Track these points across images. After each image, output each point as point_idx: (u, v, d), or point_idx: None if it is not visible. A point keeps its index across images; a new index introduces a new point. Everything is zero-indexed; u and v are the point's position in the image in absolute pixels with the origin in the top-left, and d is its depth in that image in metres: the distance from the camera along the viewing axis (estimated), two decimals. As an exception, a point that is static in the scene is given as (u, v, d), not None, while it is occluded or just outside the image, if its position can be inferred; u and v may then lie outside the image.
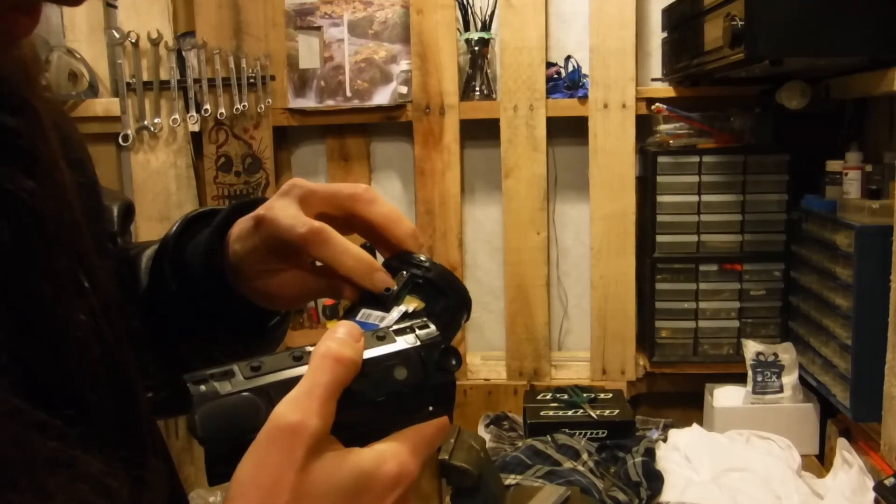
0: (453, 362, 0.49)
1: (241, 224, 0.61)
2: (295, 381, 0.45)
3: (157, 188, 2.21)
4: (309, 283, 0.62)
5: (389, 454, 0.45)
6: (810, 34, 1.50)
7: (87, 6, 2.17)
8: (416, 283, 0.56)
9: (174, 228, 0.66)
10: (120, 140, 2.15)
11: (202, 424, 0.44)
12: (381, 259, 0.59)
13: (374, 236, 0.60)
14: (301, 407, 0.43)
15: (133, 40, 2.13)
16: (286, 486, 0.41)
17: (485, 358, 2.31)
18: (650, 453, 1.73)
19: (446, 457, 1.43)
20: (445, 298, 0.56)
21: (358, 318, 0.55)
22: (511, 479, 1.64)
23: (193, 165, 2.23)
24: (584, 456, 1.73)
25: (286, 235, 0.57)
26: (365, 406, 0.46)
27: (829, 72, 1.81)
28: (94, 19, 2.18)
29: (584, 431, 1.85)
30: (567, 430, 1.84)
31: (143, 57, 2.15)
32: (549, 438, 1.79)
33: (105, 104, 2.16)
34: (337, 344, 0.46)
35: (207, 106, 2.17)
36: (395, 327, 0.50)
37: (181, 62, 2.17)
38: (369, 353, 0.47)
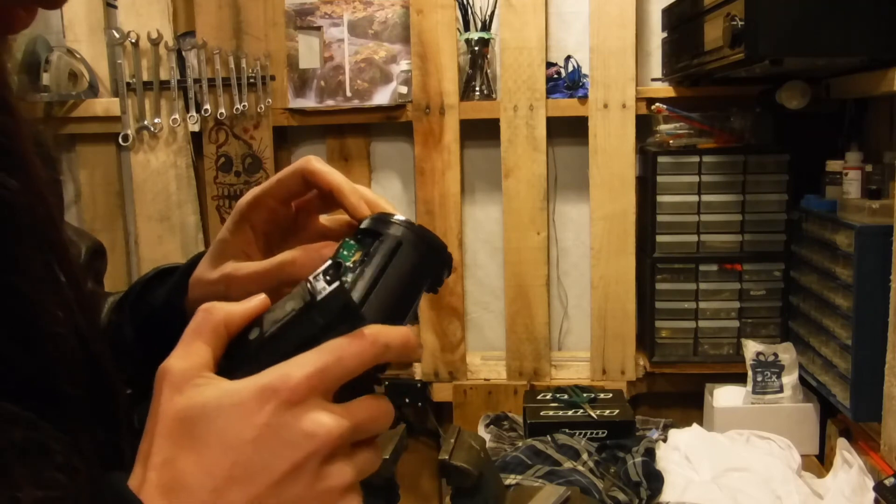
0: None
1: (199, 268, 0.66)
2: None
3: (157, 188, 2.21)
4: None
5: (266, 372, 0.45)
6: (810, 34, 1.50)
7: (87, 6, 2.17)
8: (356, 240, 0.55)
9: (139, 280, 0.72)
10: (120, 140, 2.14)
11: None
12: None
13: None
14: (171, 355, 0.47)
15: (133, 40, 2.13)
16: (159, 419, 0.45)
17: (485, 358, 2.31)
18: (650, 453, 1.73)
19: (446, 457, 1.42)
20: (378, 238, 0.54)
21: None
22: (511, 479, 1.64)
23: (193, 165, 2.23)
24: (584, 456, 1.73)
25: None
26: (257, 344, 0.48)
27: (829, 72, 1.80)
28: (94, 19, 2.18)
29: (584, 431, 1.85)
30: (567, 430, 1.83)
31: (143, 57, 2.15)
32: (549, 438, 1.79)
33: (105, 104, 2.16)
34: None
35: (207, 106, 2.17)
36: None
37: (181, 62, 2.17)
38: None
